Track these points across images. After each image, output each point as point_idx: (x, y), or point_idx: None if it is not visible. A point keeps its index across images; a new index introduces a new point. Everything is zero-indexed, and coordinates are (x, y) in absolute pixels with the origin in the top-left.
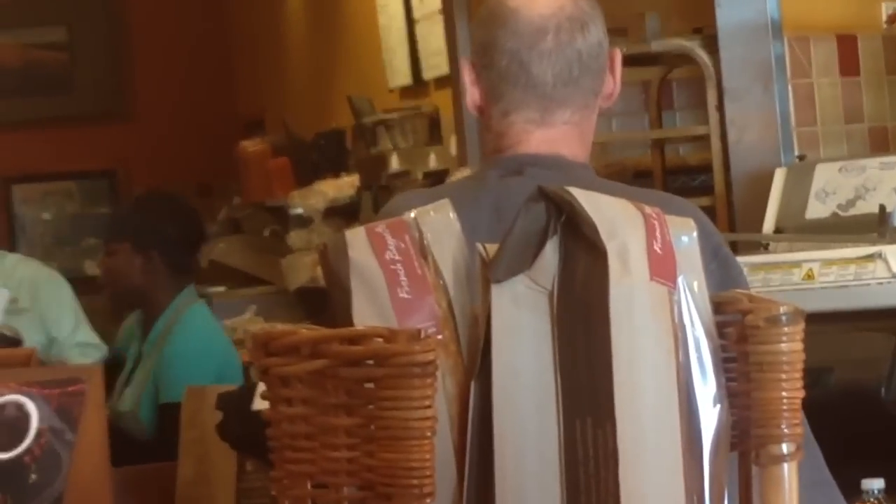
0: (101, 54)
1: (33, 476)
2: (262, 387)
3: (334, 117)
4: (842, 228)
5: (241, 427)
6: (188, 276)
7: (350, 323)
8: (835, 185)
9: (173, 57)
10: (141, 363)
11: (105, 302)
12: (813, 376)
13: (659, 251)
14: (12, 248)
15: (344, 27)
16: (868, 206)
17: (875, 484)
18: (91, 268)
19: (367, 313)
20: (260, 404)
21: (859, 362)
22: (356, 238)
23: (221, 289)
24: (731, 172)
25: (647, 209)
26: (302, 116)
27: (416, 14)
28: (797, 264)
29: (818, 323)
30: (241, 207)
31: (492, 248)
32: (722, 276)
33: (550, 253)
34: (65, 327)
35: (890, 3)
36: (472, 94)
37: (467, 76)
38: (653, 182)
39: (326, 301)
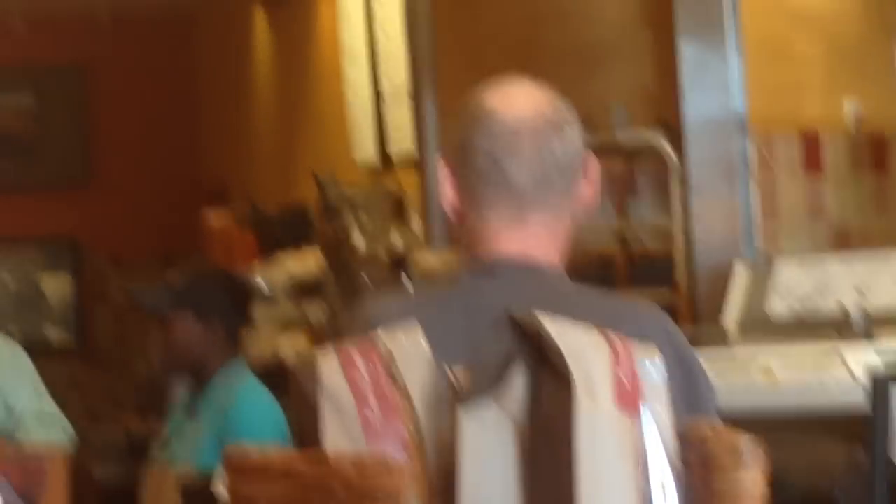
0: (67, 122)
1: None
2: (222, 472)
3: (299, 189)
4: (801, 326)
5: None
6: (238, 343)
7: (317, 442)
8: (795, 281)
9: (139, 125)
10: (193, 421)
11: (156, 368)
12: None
13: (624, 379)
14: None
15: (310, 100)
16: (828, 304)
17: None
18: (52, 332)
19: (336, 435)
20: (219, 486)
21: (816, 467)
22: (326, 360)
23: None
24: (693, 264)
25: (612, 336)
26: (267, 188)
27: (384, 89)
28: (756, 362)
29: (777, 429)
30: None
31: (460, 372)
32: (687, 387)
33: (518, 379)
34: (23, 397)
35: (854, 100)
36: (447, 194)
37: (443, 176)
38: (616, 270)
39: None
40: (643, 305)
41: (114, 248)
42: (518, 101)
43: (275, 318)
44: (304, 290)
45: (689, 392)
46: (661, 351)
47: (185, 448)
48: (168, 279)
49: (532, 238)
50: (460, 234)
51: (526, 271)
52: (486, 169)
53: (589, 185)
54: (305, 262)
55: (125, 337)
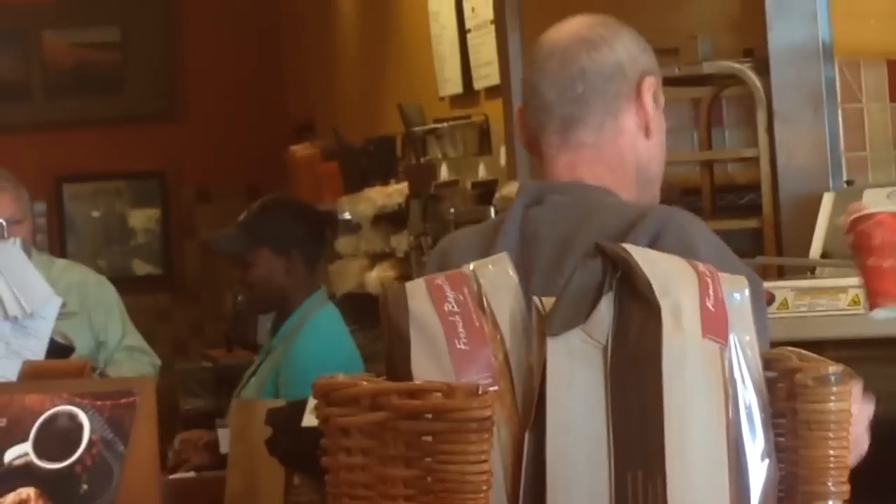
0: (153, 55)
1: (84, 486)
2: (312, 402)
3: (384, 124)
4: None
5: (291, 443)
6: (318, 273)
7: (408, 372)
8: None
9: (225, 59)
10: (269, 357)
11: (245, 307)
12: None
13: (711, 308)
14: (62, 245)
15: (396, 34)
16: None
17: None
18: (140, 266)
19: (425, 363)
20: (310, 421)
21: None
22: (416, 289)
23: None
24: (779, 195)
25: (701, 267)
26: (352, 122)
27: (469, 24)
28: (843, 290)
29: (865, 348)
30: None
31: (548, 301)
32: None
33: (605, 308)
34: (112, 332)
35: None
36: (519, 135)
37: (516, 118)
38: (701, 200)
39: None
40: (663, 207)
41: (200, 182)
42: (561, 29)
43: (361, 250)
44: (390, 221)
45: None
46: (703, 250)
47: (255, 385)
48: (240, 219)
49: (579, 161)
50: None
51: (572, 194)
52: (528, 96)
53: (642, 109)
54: (391, 194)
55: (212, 270)
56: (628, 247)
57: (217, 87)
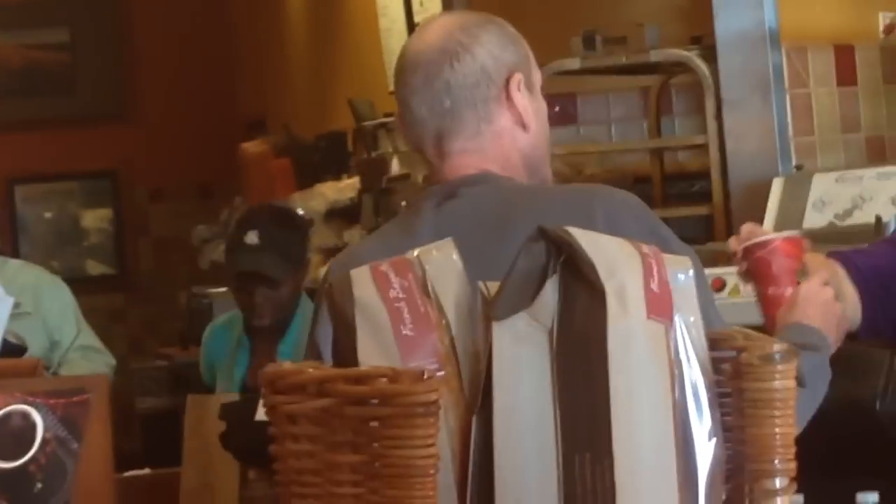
0: (102, 55)
1: (39, 485)
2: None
3: (335, 119)
4: (839, 238)
5: (245, 437)
6: None
7: (354, 359)
8: (832, 195)
9: (175, 57)
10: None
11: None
12: None
13: (656, 290)
14: (15, 247)
15: (345, 29)
16: (865, 216)
17: (870, 498)
18: (93, 266)
19: (371, 350)
20: (263, 415)
21: (855, 375)
22: (361, 277)
23: (223, 289)
24: (729, 181)
25: (645, 248)
26: (303, 118)
27: (417, 17)
28: None
29: None
30: (243, 209)
31: (493, 286)
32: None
33: (550, 291)
34: (66, 332)
35: (887, 12)
36: (404, 139)
37: (398, 122)
38: (652, 188)
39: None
40: (600, 188)
41: (153, 182)
42: (422, 38)
43: (314, 246)
44: (343, 216)
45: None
46: (633, 225)
47: None
48: (265, 239)
49: (466, 162)
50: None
51: (484, 183)
52: (401, 111)
53: (514, 107)
54: (343, 189)
55: (166, 269)
56: (571, 230)
57: (168, 85)
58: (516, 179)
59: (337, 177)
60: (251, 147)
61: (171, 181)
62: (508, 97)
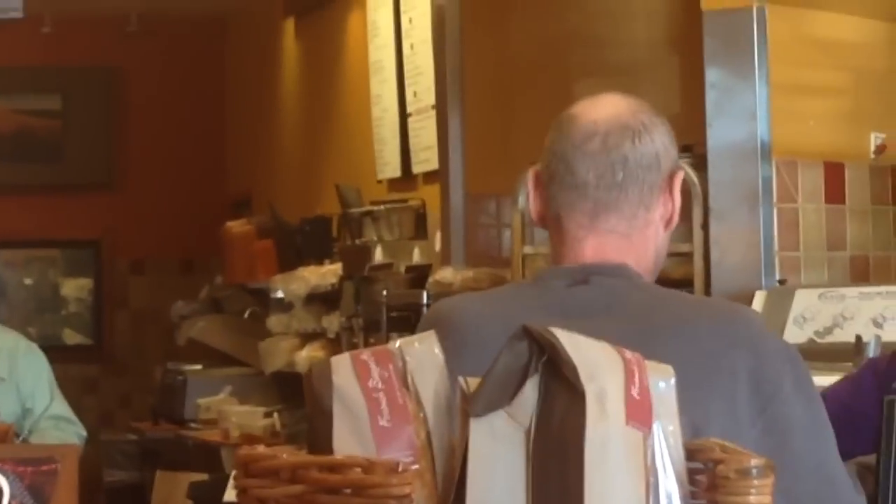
0: (94, 124)
1: None
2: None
3: (321, 204)
4: (818, 355)
5: None
6: None
7: (329, 447)
8: (813, 312)
9: (166, 131)
10: None
11: None
12: None
13: (636, 396)
14: None
15: (337, 115)
16: (845, 335)
17: None
18: (70, 335)
19: (347, 439)
20: (231, 495)
21: None
22: (341, 364)
23: (198, 367)
24: (712, 292)
25: (628, 354)
26: (289, 200)
27: (410, 108)
28: None
29: None
30: (223, 287)
31: (473, 381)
32: (770, 445)
33: (530, 391)
34: (39, 399)
35: (879, 133)
36: (532, 203)
37: (531, 184)
38: None
39: (308, 419)
40: (743, 310)
41: (135, 253)
42: (599, 105)
43: (292, 329)
44: (323, 301)
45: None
46: (738, 361)
47: None
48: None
49: (609, 246)
50: (550, 244)
51: (619, 277)
52: (560, 171)
53: (670, 202)
54: (324, 274)
55: (142, 342)
56: (555, 330)
57: (156, 158)
58: (645, 278)
59: (319, 261)
60: (235, 226)
61: (153, 254)
62: (670, 190)
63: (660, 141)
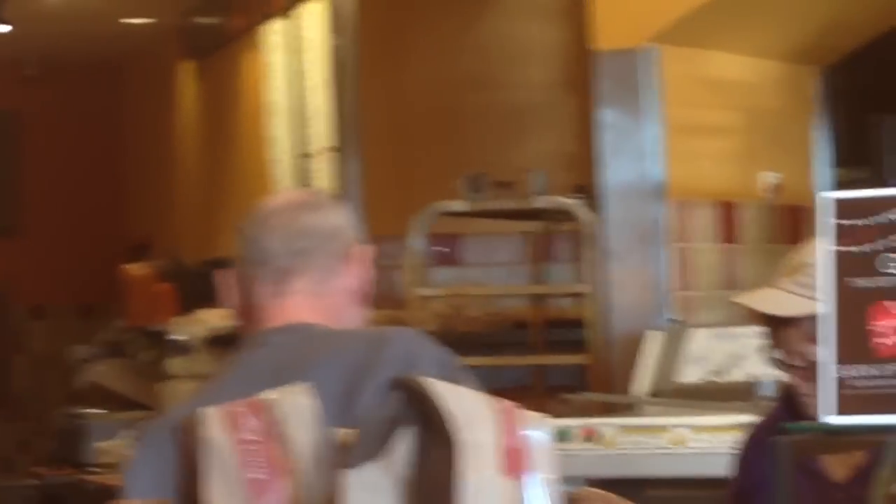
0: None
1: None
2: None
3: (221, 244)
4: (716, 395)
5: None
6: None
7: (198, 500)
8: (707, 351)
9: (65, 175)
10: None
11: None
12: None
13: (510, 445)
14: None
15: (236, 157)
16: (740, 374)
17: None
18: None
19: (218, 492)
20: None
21: None
22: (211, 417)
23: (100, 411)
24: (607, 330)
25: (505, 404)
26: (189, 243)
27: (307, 150)
28: (665, 429)
29: (688, 488)
30: (123, 331)
31: (345, 433)
32: None
33: (404, 442)
34: None
35: (770, 172)
36: (230, 298)
37: (229, 282)
38: (530, 334)
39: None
40: (395, 330)
41: (35, 298)
42: (281, 195)
43: (193, 371)
44: (224, 343)
45: None
46: (431, 367)
47: None
48: None
49: (295, 305)
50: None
51: (292, 333)
52: (249, 251)
53: (354, 271)
54: (225, 317)
55: (41, 387)
56: (429, 381)
57: (55, 203)
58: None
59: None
60: (134, 269)
61: (52, 299)
62: (353, 261)
63: (342, 216)
